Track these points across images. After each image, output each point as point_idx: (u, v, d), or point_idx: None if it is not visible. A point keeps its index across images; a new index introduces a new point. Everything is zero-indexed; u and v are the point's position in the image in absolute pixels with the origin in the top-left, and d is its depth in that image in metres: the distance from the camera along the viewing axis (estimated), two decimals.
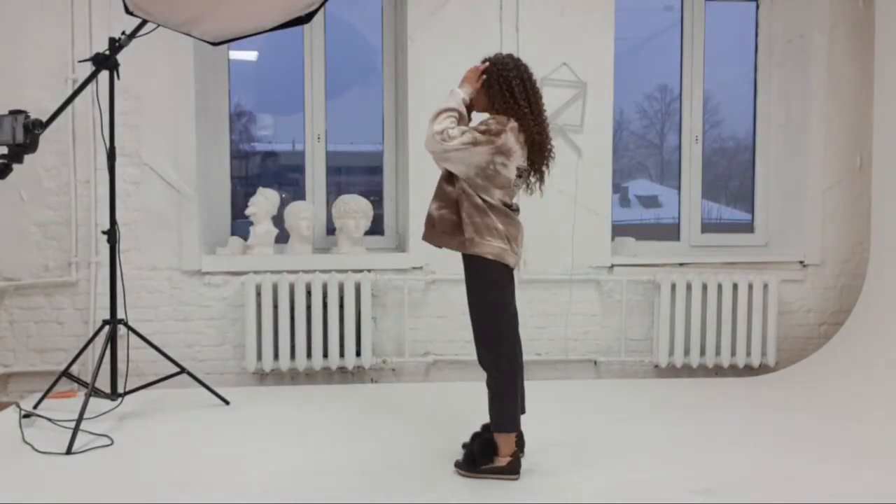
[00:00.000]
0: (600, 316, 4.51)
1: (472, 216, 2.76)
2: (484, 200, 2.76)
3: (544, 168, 2.87)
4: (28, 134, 2.54)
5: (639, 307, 4.54)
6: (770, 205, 4.87)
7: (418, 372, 4.43)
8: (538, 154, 2.83)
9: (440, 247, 2.87)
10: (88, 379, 3.61)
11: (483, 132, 2.70)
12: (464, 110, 2.82)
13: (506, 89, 2.78)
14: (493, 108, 2.82)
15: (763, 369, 4.54)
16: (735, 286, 4.45)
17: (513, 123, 2.74)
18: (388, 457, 3.08)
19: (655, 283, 4.47)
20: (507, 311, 2.84)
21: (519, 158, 2.79)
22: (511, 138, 2.73)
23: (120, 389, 3.63)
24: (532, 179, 2.89)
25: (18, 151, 2.55)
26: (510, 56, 2.87)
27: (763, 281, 4.47)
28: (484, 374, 2.90)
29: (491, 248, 2.76)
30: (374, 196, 4.69)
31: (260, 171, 4.96)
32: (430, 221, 2.88)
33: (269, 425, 3.50)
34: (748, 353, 4.48)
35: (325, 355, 4.25)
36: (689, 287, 4.45)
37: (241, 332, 4.25)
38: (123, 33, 3.45)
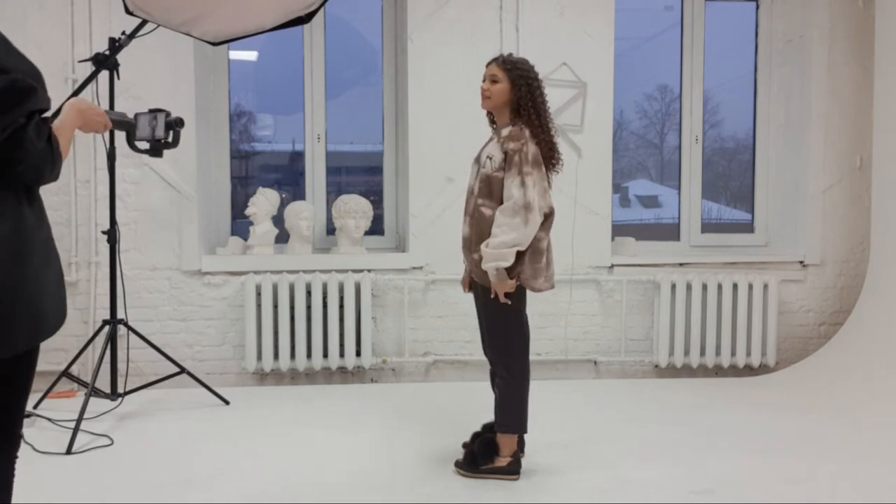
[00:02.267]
0: (600, 316, 4.51)
1: (532, 256, 2.74)
2: (544, 228, 2.75)
3: (550, 175, 2.88)
4: (170, 130, 2.62)
5: (639, 307, 4.54)
6: (770, 205, 4.87)
7: (418, 372, 4.43)
8: (548, 158, 2.82)
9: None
10: (88, 379, 3.61)
11: (523, 162, 2.68)
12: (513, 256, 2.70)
13: (537, 94, 2.77)
14: (513, 109, 2.80)
15: (763, 369, 4.54)
16: (735, 286, 4.45)
17: (528, 132, 2.74)
18: (388, 457, 3.08)
19: (655, 283, 4.47)
20: (520, 320, 2.85)
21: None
22: (533, 146, 2.72)
23: (120, 389, 3.63)
24: None
25: (158, 147, 2.64)
26: (525, 60, 2.83)
27: (763, 281, 4.47)
28: (486, 374, 2.91)
29: (544, 280, 2.79)
30: (374, 196, 4.69)
31: (260, 171, 4.96)
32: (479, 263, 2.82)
33: (269, 425, 3.51)
34: (748, 353, 4.47)
35: (325, 355, 4.25)
36: (689, 287, 4.45)
37: (241, 332, 4.25)
38: (123, 33, 3.45)
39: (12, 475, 1.71)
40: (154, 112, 2.69)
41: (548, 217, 2.77)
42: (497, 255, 2.67)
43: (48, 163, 1.70)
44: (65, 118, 1.91)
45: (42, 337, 1.67)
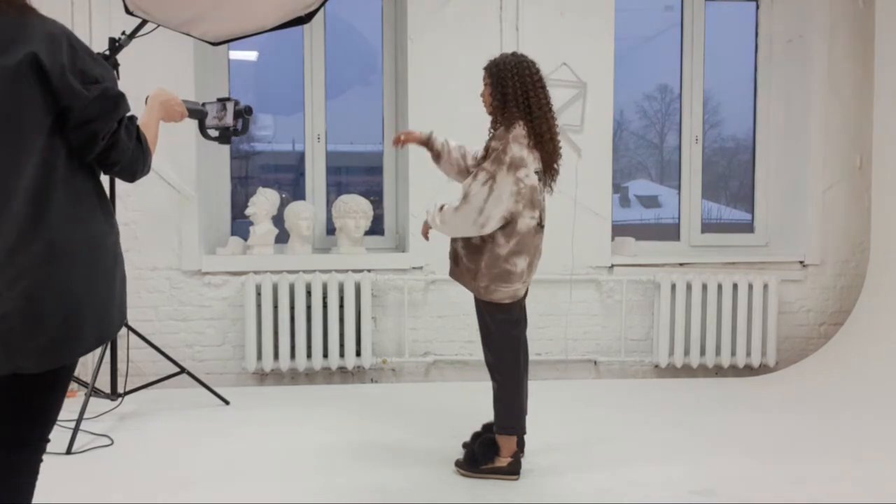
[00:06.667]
0: (600, 316, 4.51)
1: (491, 267, 2.72)
2: (512, 238, 2.73)
3: (555, 165, 2.85)
4: (238, 118, 2.68)
5: (639, 307, 4.54)
6: (770, 205, 4.87)
7: (418, 372, 4.43)
8: (546, 151, 2.79)
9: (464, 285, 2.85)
10: (88, 379, 3.61)
11: (492, 161, 2.67)
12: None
13: (509, 92, 2.75)
14: (498, 109, 2.79)
15: (763, 369, 4.54)
16: (735, 286, 4.45)
17: (515, 131, 2.71)
18: (387, 457, 3.08)
19: (655, 283, 4.47)
20: (512, 323, 2.85)
21: (533, 162, 2.75)
22: (516, 148, 2.68)
23: (120, 389, 3.63)
24: (545, 178, 2.87)
25: (227, 135, 2.69)
26: (513, 55, 2.83)
27: (763, 281, 4.47)
28: (486, 374, 2.91)
29: (506, 293, 2.76)
30: (374, 196, 4.69)
31: (260, 171, 4.96)
32: (455, 258, 2.86)
33: (270, 425, 3.50)
34: (748, 353, 4.47)
35: (325, 355, 4.25)
36: (689, 287, 4.45)
37: (241, 332, 4.24)
38: (123, 33, 3.45)
39: (36, 477, 1.77)
40: (223, 101, 2.74)
41: (508, 223, 2.71)
42: (434, 216, 2.81)
43: (140, 160, 1.80)
44: (150, 113, 1.98)
45: (108, 337, 1.74)
